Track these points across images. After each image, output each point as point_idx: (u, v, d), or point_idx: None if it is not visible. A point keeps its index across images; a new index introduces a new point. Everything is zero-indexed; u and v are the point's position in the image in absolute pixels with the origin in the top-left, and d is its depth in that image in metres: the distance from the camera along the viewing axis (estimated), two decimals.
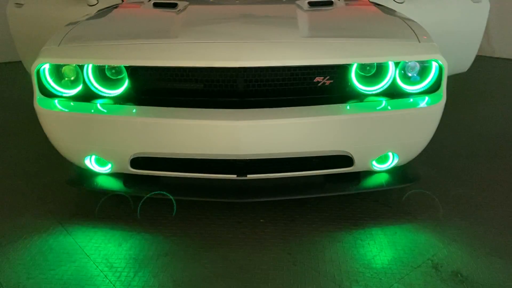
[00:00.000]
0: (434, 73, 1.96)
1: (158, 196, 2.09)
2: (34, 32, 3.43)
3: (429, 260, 1.89)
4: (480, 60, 5.24)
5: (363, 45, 1.93)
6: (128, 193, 2.18)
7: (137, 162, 2.03)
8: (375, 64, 1.99)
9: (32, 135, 3.21)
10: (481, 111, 3.79)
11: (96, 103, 1.95)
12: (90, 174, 2.21)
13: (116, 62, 1.91)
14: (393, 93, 2.00)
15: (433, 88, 1.98)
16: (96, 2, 3.35)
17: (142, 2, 2.76)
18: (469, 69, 3.93)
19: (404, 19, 2.26)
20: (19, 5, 3.48)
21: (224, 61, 1.81)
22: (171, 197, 2.08)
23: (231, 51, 1.83)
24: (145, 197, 2.18)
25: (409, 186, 2.38)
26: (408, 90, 2.00)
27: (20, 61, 3.72)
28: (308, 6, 2.49)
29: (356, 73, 1.99)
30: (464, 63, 3.84)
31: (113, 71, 1.99)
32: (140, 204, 2.23)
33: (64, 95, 1.98)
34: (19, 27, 3.56)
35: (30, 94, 1.96)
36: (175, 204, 2.22)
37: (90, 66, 1.95)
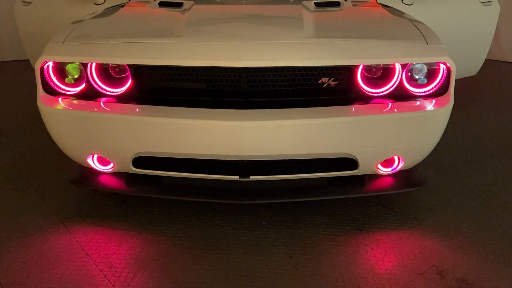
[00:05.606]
0: (442, 76, 1.92)
1: (160, 197, 2.07)
2: (41, 31, 3.45)
3: (433, 266, 1.85)
4: (490, 64, 5.19)
5: (369, 46, 1.90)
6: (130, 192, 2.17)
7: (139, 161, 2.01)
8: (382, 65, 1.96)
9: (34, 133, 3.22)
10: (489, 115, 3.73)
11: (99, 102, 1.94)
12: (92, 173, 2.20)
13: (120, 61, 1.90)
14: (399, 95, 1.97)
15: (441, 91, 1.94)
16: (103, 1, 3.36)
17: (149, 1, 2.75)
18: (478, 73, 3.88)
19: (412, 21, 2.22)
20: (26, 3, 3.51)
21: (227, 60, 1.79)
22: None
23: (234, 51, 1.81)
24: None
25: (415, 190, 2.34)
26: (415, 92, 1.96)
27: (28, 60, 3.75)
28: (315, 6, 2.46)
29: (362, 75, 1.96)
30: (473, 67, 3.79)
31: (117, 69, 1.98)
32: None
33: (68, 93, 1.97)
34: (27, 25, 3.58)
35: (34, 92, 1.96)
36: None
37: (94, 64, 1.94)
